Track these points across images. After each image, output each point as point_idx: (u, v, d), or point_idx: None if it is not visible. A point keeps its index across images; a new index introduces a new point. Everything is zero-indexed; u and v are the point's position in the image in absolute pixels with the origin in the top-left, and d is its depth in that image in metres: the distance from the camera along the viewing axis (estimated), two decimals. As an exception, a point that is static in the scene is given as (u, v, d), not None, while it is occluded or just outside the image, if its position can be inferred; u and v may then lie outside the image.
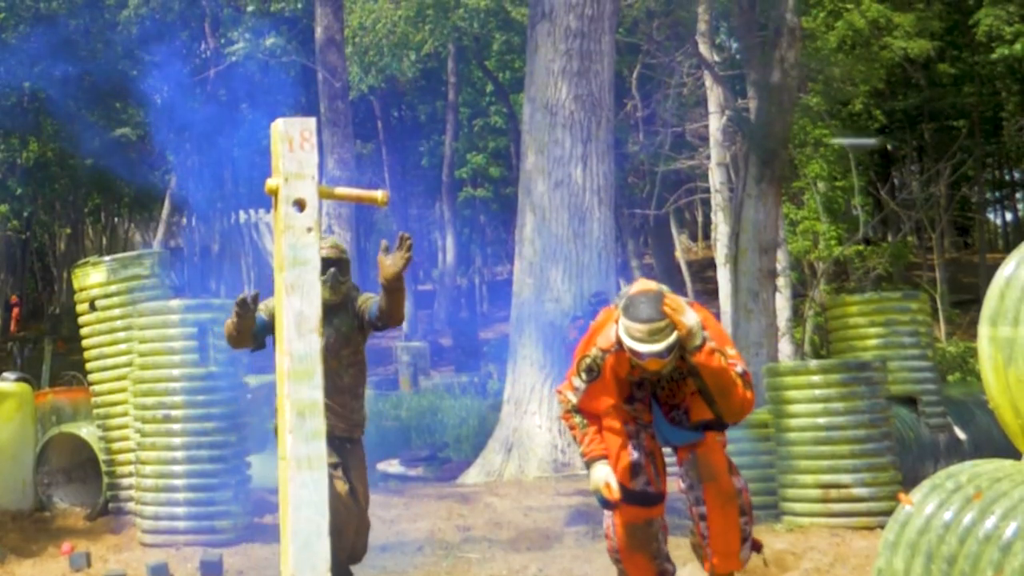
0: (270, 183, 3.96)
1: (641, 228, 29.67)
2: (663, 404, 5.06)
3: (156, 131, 24.61)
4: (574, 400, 5.00)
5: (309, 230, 3.80)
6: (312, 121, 3.81)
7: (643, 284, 4.88)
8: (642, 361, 4.66)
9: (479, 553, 7.47)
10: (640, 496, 5.03)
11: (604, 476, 4.96)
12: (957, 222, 35.08)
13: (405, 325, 29.21)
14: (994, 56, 23.22)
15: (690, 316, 4.65)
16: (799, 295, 21.85)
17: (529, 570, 6.93)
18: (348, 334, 6.02)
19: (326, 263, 5.70)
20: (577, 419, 5.04)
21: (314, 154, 3.79)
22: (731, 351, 4.79)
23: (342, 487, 5.88)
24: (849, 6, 20.64)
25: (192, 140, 26.33)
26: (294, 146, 3.74)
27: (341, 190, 4.27)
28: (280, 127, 3.81)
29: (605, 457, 5.01)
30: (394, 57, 24.48)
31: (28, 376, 10.54)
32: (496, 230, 35.02)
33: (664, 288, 4.84)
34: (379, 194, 3.99)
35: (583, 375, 4.95)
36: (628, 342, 4.65)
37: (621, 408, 5.03)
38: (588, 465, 5.04)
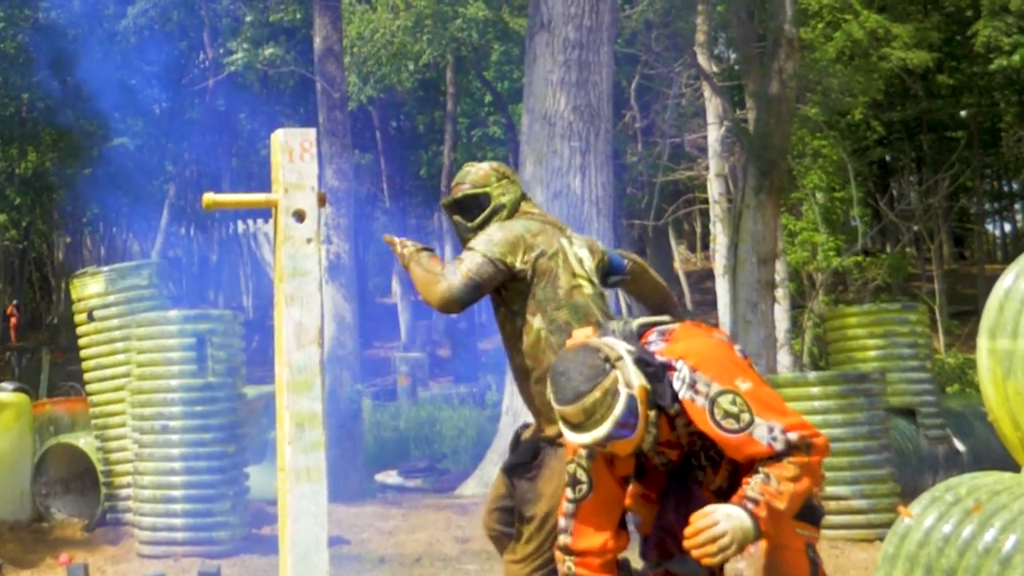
0: (206, 199, 3.91)
1: (640, 239, 29.68)
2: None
3: (155, 141, 24.66)
4: (566, 537, 3.47)
5: (309, 241, 3.79)
6: (312, 132, 3.79)
7: (573, 338, 3.46)
8: (605, 450, 3.32)
9: (477, 565, 7.44)
10: None
11: None
12: (955, 233, 35.11)
13: (403, 335, 29.29)
14: (992, 67, 23.29)
15: (721, 526, 3.10)
16: (798, 306, 21.84)
17: (528, 582, 6.90)
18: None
19: (447, 210, 4.60)
20: (566, 566, 3.47)
21: (314, 164, 3.77)
22: (743, 385, 3.33)
23: None
24: (848, 17, 20.68)
25: (191, 150, 26.36)
26: (294, 156, 3.73)
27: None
28: (280, 137, 3.80)
29: None
30: (392, 67, 24.49)
31: (26, 386, 10.52)
32: (495, 240, 34.97)
33: (608, 341, 3.32)
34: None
35: (570, 491, 3.48)
36: (566, 434, 3.30)
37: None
38: None
